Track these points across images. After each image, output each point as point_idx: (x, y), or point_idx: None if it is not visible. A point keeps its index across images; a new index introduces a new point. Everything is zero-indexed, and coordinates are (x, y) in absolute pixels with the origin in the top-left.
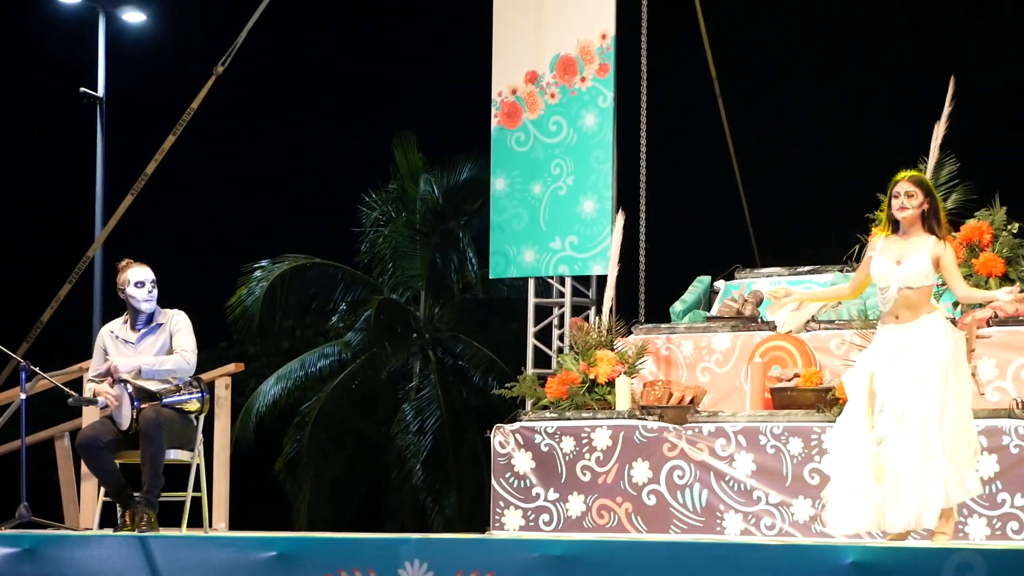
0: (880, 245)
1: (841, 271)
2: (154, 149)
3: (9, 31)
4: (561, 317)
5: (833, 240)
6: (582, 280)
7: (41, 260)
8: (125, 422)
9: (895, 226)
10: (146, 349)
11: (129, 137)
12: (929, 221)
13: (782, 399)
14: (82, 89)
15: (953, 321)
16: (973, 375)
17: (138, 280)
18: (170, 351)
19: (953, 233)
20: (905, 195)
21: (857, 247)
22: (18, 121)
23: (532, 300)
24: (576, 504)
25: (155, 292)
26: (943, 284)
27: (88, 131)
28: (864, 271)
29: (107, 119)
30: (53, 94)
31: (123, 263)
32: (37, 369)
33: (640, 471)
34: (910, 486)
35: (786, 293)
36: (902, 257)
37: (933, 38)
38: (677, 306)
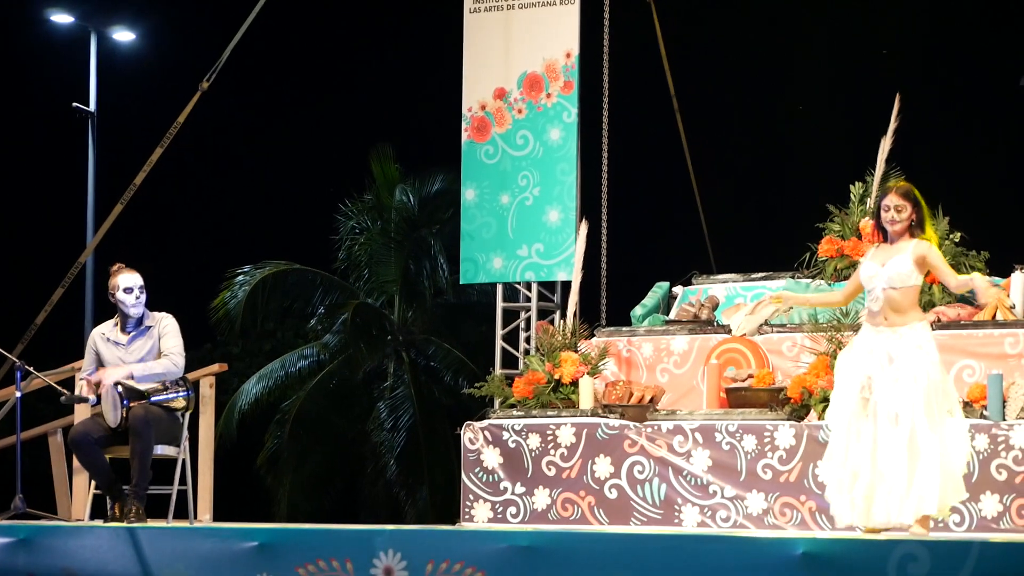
0: (871, 253)
1: (792, 277)
2: (143, 161)
3: (4, 49)
4: (528, 320)
5: (784, 248)
6: (547, 285)
7: (36, 265)
8: (115, 420)
9: (884, 235)
10: (136, 351)
11: (119, 149)
12: (914, 230)
13: (737, 398)
14: (74, 104)
15: None
16: None
17: (126, 286)
18: (159, 353)
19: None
20: (895, 209)
21: (807, 255)
22: (13, 134)
23: (500, 304)
24: (542, 497)
25: (143, 297)
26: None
27: (80, 144)
28: (855, 278)
29: (98, 132)
30: (47, 109)
31: (115, 267)
32: (31, 369)
33: (602, 466)
34: (896, 484)
35: (783, 299)
36: (887, 261)
37: (880, 55)
38: (637, 310)
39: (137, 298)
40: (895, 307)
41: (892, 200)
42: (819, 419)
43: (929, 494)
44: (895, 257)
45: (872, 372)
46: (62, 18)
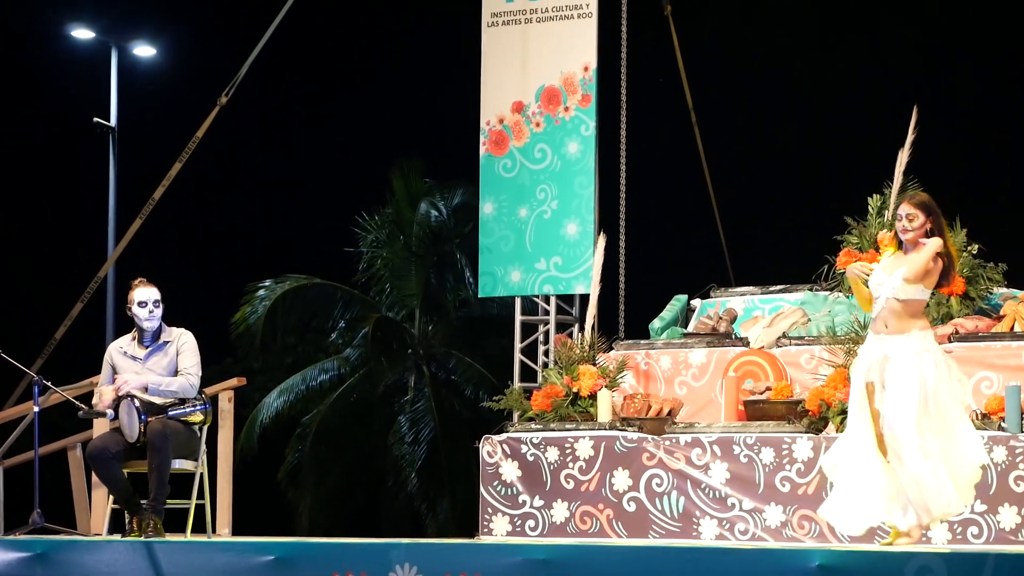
0: (884, 260)
1: (811, 290)
2: (163, 175)
3: (26, 65)
4: (546, 334)
5: (803, 261)
6: (566, 299)
7: (56, 280)
8: (133, 434)
9: (899, 243)
10: (153, 365)
11: (140, 164)
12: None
13: (755, 411)
14: (96, 119)
15: None
16: None
17: (141, 300)
18: (175, 370)
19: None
20: (906, 218)
21: (825, 267)
22: (36, 149)
23: (519, 318)
24: (560, 511)
25: (158, 312)
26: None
27: (101, 158)
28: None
29: (119, 147)
30: (68, 124)
31: (136, 281)
32: (49, 384)
33: (621, 479)
34: (874, 487)
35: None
36: (896, 270)
37: (898, 68)
38: (655, 323)
39: (151, 312)
40: (895, 314)
41: (905, 209)
42: (837, 431)
43: (916, 502)
44: (903, 268)
45: (873, 379)
46: (83, 34)
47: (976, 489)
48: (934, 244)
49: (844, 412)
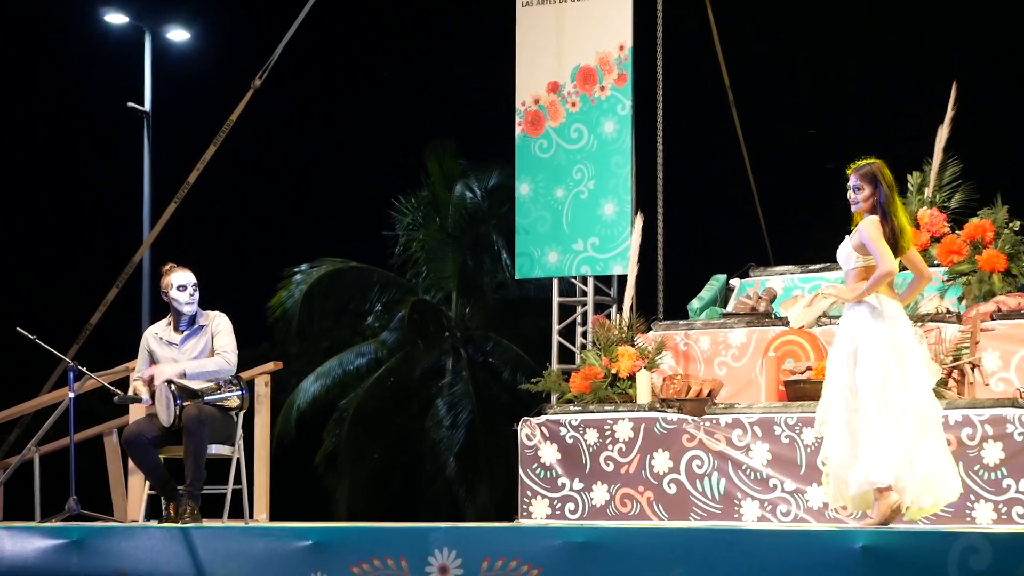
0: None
1: None
2: (197, 159)
3: (61, 51)
4: (584, 315)
5: (842, 239)
6: (603, 279)
7: (91, 265)
8: (169, 419)
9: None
10: (189, 350)
11: (174, 148)
12: (878, 211)
13: (795, 391)
14: (130, 104)
15: (958, 316)
16: (977, 367)
17: (180, 284)
18: (211, 352)
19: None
20: (852, 189)
21: None
22: (70, 135)
23: (556, 299)
24: (600, 493)
25: (196, 295)
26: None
27: (136, 143)
28: None
29: (153, 131)
30: (103, 109)
31: (167, 267)
32: (84, 369)
33: (661, 461)
34: (840, 463)
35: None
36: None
37: (937, 43)
38: (694, 303)
39: (191, 296)
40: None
41: (851, 180)
42: None
43: (870, 466)
44: (846, 239)
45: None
46: (116, 18)
47: (1021, 466)
48: (865, 228)
49: None
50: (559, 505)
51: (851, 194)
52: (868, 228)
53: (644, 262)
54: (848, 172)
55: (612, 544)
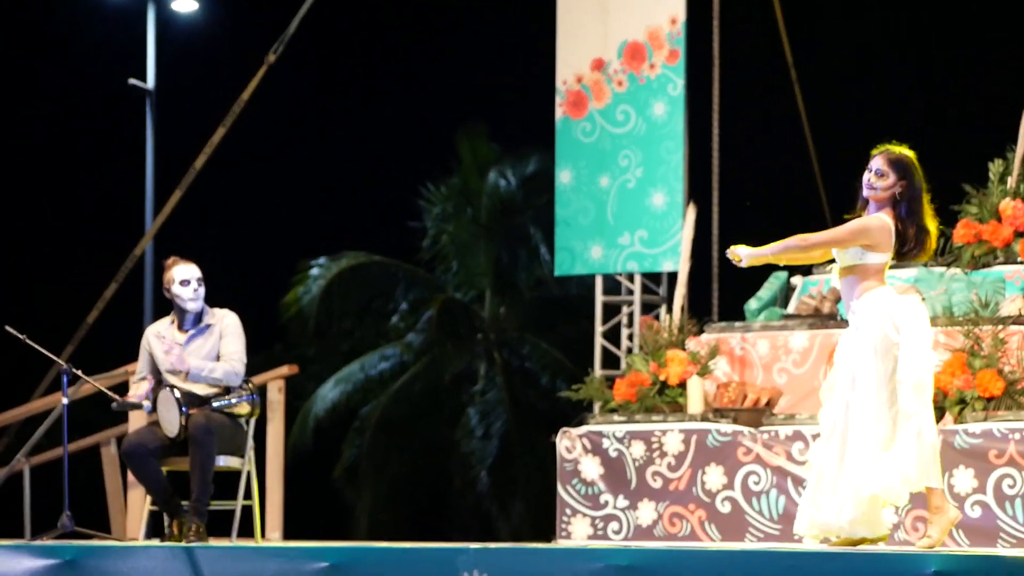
0: None
1: (925, 265)
2: (205, 142)
3: (56, 23)
4: (630, 316)
5: None
6: (652, 277)
7: (88, 258)
8: (173, 428)
9: (864, 204)
10: (195, 351)
11: (180, 130)
12: (899, 205)
13: None
14: (131, 81)
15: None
16: None
17: (183, 278)
18: (219, 354)
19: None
20: (875, 173)
21: (941, 240)
22: (66, 114)
23: (600, 298)
24: (646, 512)
25: (202, 290)
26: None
27: (137, 124)
28: None
29: (157, 112)
30: (102, 86)
31: (169, 261)
32: (80, 373)
33: (714, 477)
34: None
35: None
36: None
37: (1020, 17)
38: (752, 303)
39: (195, 291)
40: (846, 286)
41: (875, 163)
42: (955, 423)
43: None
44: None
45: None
46: None
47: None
48: (856, 224)
49: (963, 401)
50: (601, 525)
51: (870, 177)
52: (872, 219)
53: (697, 258)
54: (873, 153)
55: (659, 568)
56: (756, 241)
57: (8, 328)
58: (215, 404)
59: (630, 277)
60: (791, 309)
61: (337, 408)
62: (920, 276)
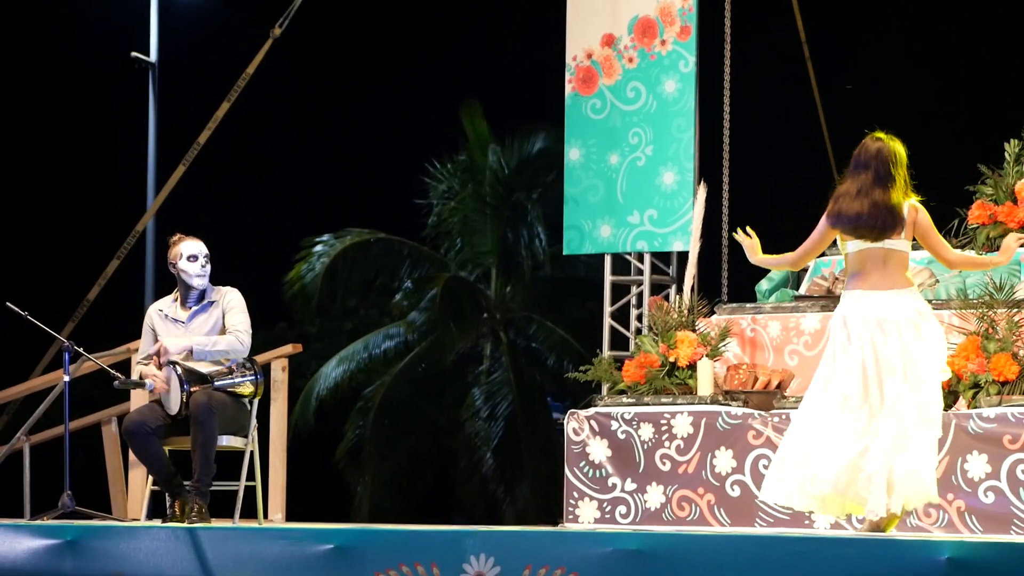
0: None
1: None
2: (209, 116)
3: None
4: (639, 296)
5: (930, 213)
6: (662, 256)
7: (89, 234)
8: (175, 406)
9: None
10: (197, 328)
11: (183, 104)
12: None
13: None
14: (133, 53)
15: None
16: None
17: (191, 254)
18: (223, 331)
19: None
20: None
21: (956, 221)
22: (67, 88)
23: (608, 278)
24: (655, 495)
25: (208, 267)
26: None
27: (140, 98)
28: None
29: (159, 85)
30: (103, 59)
31: (175, 237)
32: (81, 350)
33: (723, 460)
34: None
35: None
36: None
37: None
38: (763, 284)
39: (203, 267)
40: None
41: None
42: (968, 407)
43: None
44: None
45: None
46: None
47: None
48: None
49: (977, 385)
50: (609, 508)
51: None
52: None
53: (707, 238)
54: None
55: (667, 552)
56: (769, 219)
57: (9, 304)
58: (217, 383)
59: (639, 257)
60: (803, 290)
61: (340, 388)
62: (934, 258)
